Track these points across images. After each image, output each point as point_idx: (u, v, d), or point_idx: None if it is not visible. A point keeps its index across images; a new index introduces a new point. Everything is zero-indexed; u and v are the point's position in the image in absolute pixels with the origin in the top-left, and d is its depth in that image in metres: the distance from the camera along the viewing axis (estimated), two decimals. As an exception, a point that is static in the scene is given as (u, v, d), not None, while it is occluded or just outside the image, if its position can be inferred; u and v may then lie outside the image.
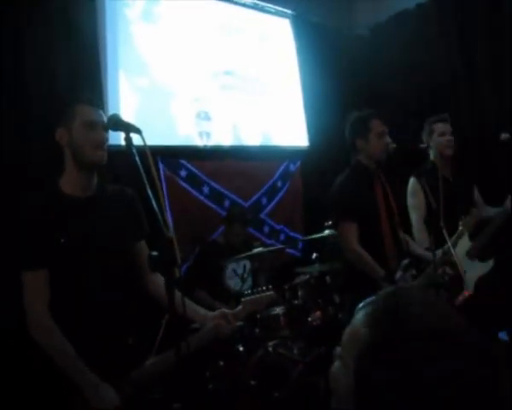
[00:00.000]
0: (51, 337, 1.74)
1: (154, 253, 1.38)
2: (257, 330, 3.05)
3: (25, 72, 2.83)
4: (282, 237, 4.48)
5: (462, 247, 2.94)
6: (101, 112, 1.94)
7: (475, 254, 3.00)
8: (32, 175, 2.77)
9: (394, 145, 2.75)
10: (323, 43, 5.07)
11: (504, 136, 3.06)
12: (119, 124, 1.62)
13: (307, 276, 3.54)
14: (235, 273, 3.51)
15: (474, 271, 2.94)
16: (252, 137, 4.37)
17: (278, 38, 4.84)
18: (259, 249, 3.42)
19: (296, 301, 3.31)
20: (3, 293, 2.46)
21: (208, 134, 4.00)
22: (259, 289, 2.11)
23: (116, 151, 2.07)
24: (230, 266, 3.52)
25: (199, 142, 3.94)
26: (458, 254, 2.76)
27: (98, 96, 3.16)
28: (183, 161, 3.77)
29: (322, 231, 3.60)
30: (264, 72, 4.55)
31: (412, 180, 3.17)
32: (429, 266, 2.63)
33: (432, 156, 3.22)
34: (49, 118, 2.77)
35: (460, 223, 2.86)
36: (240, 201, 4.11)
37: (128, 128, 1.57)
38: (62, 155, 1.93)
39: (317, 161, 4.74)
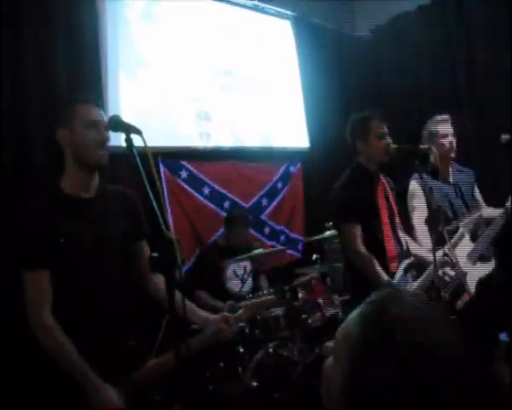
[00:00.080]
0: (53, 338, 1.74)
1: (155, 254, 1.38)
2: (257, 332, 3.05)
3: (25, 72, 2.83)
4: (282, 238, 4.48)
5: (463, 248, 2.94)
6: (102, 112, 1.94)
7: (477, 256, 2.99)
8: (32, 175, 2.77)
9: (395, 146, 2.75)
10: (324, 44, 5.07)
11: (504, 137, 3.06)
12: (119, 125, 1.62)
13: (307, 277, 3.54)
14: (236, 275, 3.51)
15: (475, 272, 2.93)
16: (252, 138, 4.36)
17: (279, 39, 4.84)
18: (260, 251, 3.42)
19: (296, 303, 3.30)
20: (4, 293, 2.45)
21: (208, 135, 4.00)
22: (260, 293, 2.12)
23: (116, 152, 2.07)
24: (231, 268, 3.52)
25: (199, 142, 3.93)
26: (459, 256, 2.76)
27: (98, 97, 3.15)
28: (183, 162, 3.77)
29: (322, 232, 3.60)
30: (264, 73, 4.55)
31: (413, 182, 3.17)
32: (430, 268, 2.63)
33: (432, 158, 3.21)
34: (49, 118, 2.78)
35: (460, 224, 2.86)
36: (240, 202, 4.11)
37: (128, 129, 1.57)
38: (63, 155, 1.93)
39: (318, 163, 4.75)
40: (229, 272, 3.52)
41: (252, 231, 4.00)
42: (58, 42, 3.00)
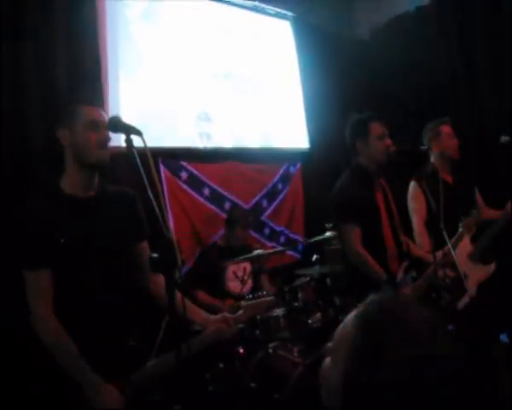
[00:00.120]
0: (55, 336, 1.74)
1: (155, 254, 1.38)
2: (257, 332, 3.04)
3: (25, 72, 2.83)
4: (282, 239, 4.48)
5: (463, 249, 2.94)
6: (103, 112, 1.94)
7: (478, 257, 3.00)
8: (32, 175, 2.77)
9: (394, 147, 2.75)
10: (324, 45, 5.07)
11: (504, 138, 3.06)
12: (119, 126, 1.63)
13: (308, 278, 3.53)
14: (236, 276, 3.51)
15: (476, 273, 2.94)
16: (252, 138, 4.36)
17: (278, 40, 4.84)
18: (260, 252, 3.42)
19: (296, 303, 3.30)
20: (4, 293, 2.45)
21: (208, 135, 4.00)
22: (260, 293, 2.12)
23: (116, 153, 2.07)
24: (231, 269, 3.52)
25: (199, 143, 3.93)
26: (460, 257, 2.76)
27: (98, 97, 3.16)
28: (183, 163, 3.77)
29: (323, 233, 3.60)
30: (264, 74, 4.55)
31: (413, 183, 3.17)
32: (430, 268, 2.63)
33: (432, 159, 3.22)
34: (49, 118, 2.78)
35: (460, 224, 2.87)
36: (240, 203, 4.11)
37: (129, 130, 1.57)
38: (63, 155, 1.93)
39: (318, 163, 4.75)
40: (228, 272, 3.52)
41: (252, 232, 4.00)
42: (58, 42, 2.99)
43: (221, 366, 2.82)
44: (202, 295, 3.38)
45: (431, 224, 2.75)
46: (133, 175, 1.49)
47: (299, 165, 4.72)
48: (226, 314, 2.03)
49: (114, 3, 3.45)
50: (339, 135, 3.23)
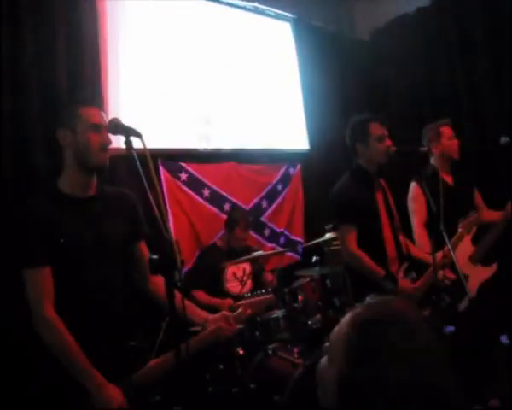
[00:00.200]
0: (56, 334, 1.74)
1: (155, 256, 1.38)
2: (257, 333, 3.04)
3: (25, 72, 2.82)
4: (282, 240, 4.48)
5: (464, 250, 2.94)
6: (103, 114, 1.94)
7: (478, 259, 3.00)
8: (32, 175, 2.76)
9: (394, 148, 2.75)
10: (324, 46, 5.07)
11: (504, 139, 3.06)
12: (119, 127, 1.63)
13: (307, 279, 3.54)
14: (235, 276, 3.51)
15: (477, 274, 2.94)
16: (252, 140, 4.36)
17: (279, 41, 4.84)
18: (259, 253, 3.42)
19: (296, 305, 3.30)
20: (4, 293, 2.44)
21: (208, 137, 3.99)
22: (259, 292, 2.14)
23: (116, 154, 2.07)
24: (230, 270, 3.52)
25: (198, 145, 3.93)
26: (461, 258, 2.77)
27: (98, 98, 3.15)
28: (183, 164, 3.76)
29: (322, 234, 3.60)
30: (264, 75, 4.54)
31: (413, 184, 3.17)
32: (429, 269, 2.63)
33: (432, 160, 3.22)
34: (49, 118, 2.78)
35: (459, 225, 2.87)
36: (240, 204, 4.10)
37: (128, 132, 1.58)
38: (62, 155, 1.93)
39: (318, 165, 4.74)
40: (228, 273, 3.52)
41: (252, 233, 4.00)
42: (58, 42, 2.99)
43: (221, 366, 2.82)
44: (202, 295, 3.38)
45: (431, 225, 2.75)
46: (133, 176, 1.49)
47: (298, 166, 4.72)
48: (226, 313, 2.03)
49: (114, 3, 3.45)
50: (339, 136, 3.23)
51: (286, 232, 4.52)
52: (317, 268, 3.48)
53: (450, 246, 2.46)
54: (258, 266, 3.62)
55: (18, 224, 1.86)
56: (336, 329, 0.89)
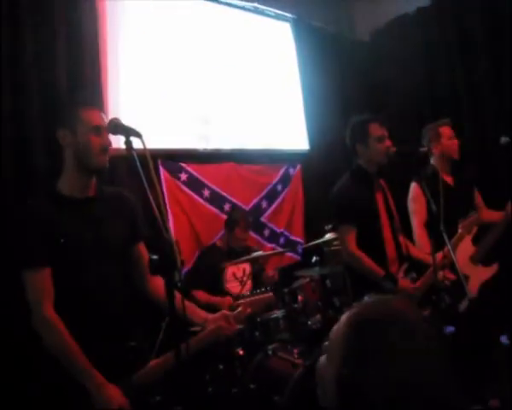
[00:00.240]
0: (56, 334, 1.73)
1: (155, 256, 1.38)
2: (257, 334, 3.04)
3: (25, 72, 2.82)
4: (282, 240, 4.47)
5: (465, 251, 2.94)
6: (104, 115, 1.94)
7: (479, 259, 2.99)
8: (32, 175, 2.76)
9: (394, 149, 2.75)
10: (324, 46, 5.07)
11: (504, 139, 3.06)
12: (119, 127, 1.64)
13: (307, 279, 3.54)
14: (235, 277, 3.50)
15: (478, 275, 2.93)
16: (252, 140, 4.36)
17: (278, 41, 4.84)
18: (259, 253, 3.42)
19: (296, 305, 3.30)
20: (4, 293, 2.44)
21: (208, 137, 3.99)
22: (258, 290, 2.14)
23: (116, 155, 2.07)
24: (230, 270, 3.51)
25: (198, 145, 3.93)
26: (461, 258, 2.77)
27: (98, 98, 3.15)
28: (183, 165, 3.76)
29: (322, 234, 3.60)
30: (264, 75, 4.54)
31: (413, 185, 3.17)
32: (429, 270, 2.63)
33: (432, 160, 3.22)
34: (49, 118, 2.78)
35: (459, 226, 2.87)
36: (240, 204, 4.10)
37: (128, 132, 1.58)
38: (62, 156, 1.92)
39: (318, 165, 4.74)
40: (228, 273, 3.52)
41: (252, 234, 4.00)
42: (58, 42, 2.99)
43: (221, 367, 2.82)
44: (201, 294, 3.38)
45: (431, 225, 2.75)
46: (133, 177, 1.49)
47: (298, 166, 4.72)
48: (226, 312, 2.03)
49: (114, 3, 3.45)
50: (339, 136, 3.23)
51: (286, 233, 4.52)
52: (316, 268, 3.48)
53: (450, 246, 2.46)
54: (258, 267, 3.62)
55: (18, 224, 1.87)
56: (335, 328, 0.89)
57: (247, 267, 3.55)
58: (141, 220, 2.09)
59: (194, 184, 3.82)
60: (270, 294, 2.11)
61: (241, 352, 2.87)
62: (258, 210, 4.29)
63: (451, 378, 0.78)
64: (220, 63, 4.15)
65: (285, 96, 4.74)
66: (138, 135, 1.59)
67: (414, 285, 2.69)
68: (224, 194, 4.02)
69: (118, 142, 1.77)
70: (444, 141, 3.18)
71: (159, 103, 3.64)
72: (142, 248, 2.09)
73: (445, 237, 2.46)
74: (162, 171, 3.59)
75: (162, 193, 3.45)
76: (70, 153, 1.89)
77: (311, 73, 4.84)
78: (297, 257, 4.54)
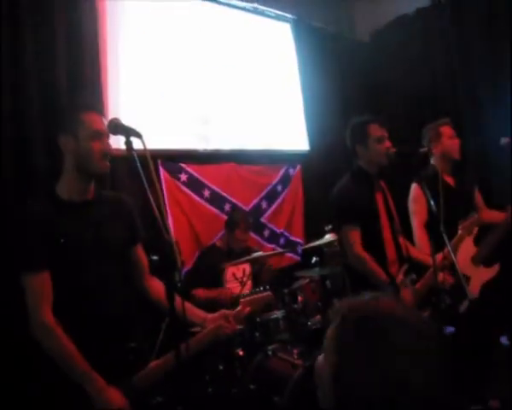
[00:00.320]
0: (54, 339, 1.73)
1: (155, 257, 1.38)
2: (256, 334, 3.04)
3: (25, 72, 2.82)
4: (282, 241, 4.47)
5: (466, 251, 2.94)
6: (104, 119, 1.94)
7: (480, 260, 2.99)
8: (31, 175, 2.76)
9: (394, 150, 2.75)
10: (324, 47, 5.07)
11: (504, 140, 3.06)
12: (119, 128, 1.64)
13: (307, 280, 3.53)
14: (235, 277, 3.50)
15: (479, 276, 2.93)
16: (252, 141, 4.36)
17: (279, 42, 4.83)
18: (259, 253, 3.42)
19: (296, 305, 3.30)
20: (4, 293, 2.44)
21: (208, 138, 3.99)
22: (257, 289, 2.14)
23: (116, 155, 2.07)
24: (230, 270, 3.51)
25: (198, 146, 3.93)
26: (462, 259, 2.77)
27: (98, 98, 3.15)
28: (182, 165, 3.76)
29: (322, 235, 3.59)
30: (264, 76, 4.54)
31: (414, 186, 3.16)
32: (429, 271, 2.63)
33: (433, 160, 3.22)
34: (49, 118, 2.78)
35: (459, 227, 2.86)
36: (240, 205, 4.10)
37: (128, 132, 1.58)
38: (62, 158, 1.92)
39: (318, 165, 4.74)
40: (228, 274, 3.51)
41: (252, 234, 4.00)
42: (58, 42, 2.99)
43: (221, 367, 2.82)
44: (201, 292, 3.38)
45: (431, 226, 2.75)
46: (133, 177, 1.49)
47: (298, 167, 4.72)
48: (225, 311, 2.03)
49: (114, 3, 3.45)
50: (339, 137, 3.23)
51: (286, 233, 4.52)
52: (316, 269, 3.48)
53: (450, 247, 2.46)
54: (258, 267, 3.62)
55: (17, 227, 1.86)
56: (331, 326, 0.88)
57: (247, 268, 3.54)
58: (138, 223, 2.09)
59: (195, 185, 3.82)
60: (269, 293, 2.11)
61: (240, 352, 2.88)
62: (258, 211, 4.29)
63: (451, 378, 0.78)
64: (220, 64, 4.15)
65: (285, 97, 4.74)
66: (138, 135, 1.59)
67: (415, 298, 2.66)
68: (225, 194, 4.02)
69: (118, 142, 1.77)
70: (444, 140, 3.17)
71: (159, 104, 3.64)
72: (140, 250, 2.10)
73: (446, 237, 2.46)
74: (162, 171, 3.59)
75: (162, 193, 3.45)
76: (71, 158, 1.89)
77: (311, 73, 4.84)
78: (297, 258, 4.54)
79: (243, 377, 2.79)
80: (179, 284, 1.45)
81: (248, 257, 3.33)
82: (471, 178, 3.35)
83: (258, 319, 3.05)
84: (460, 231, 2.86)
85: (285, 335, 3.08)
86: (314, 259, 3.50)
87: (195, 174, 3.84)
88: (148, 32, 3.67)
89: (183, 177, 3.75)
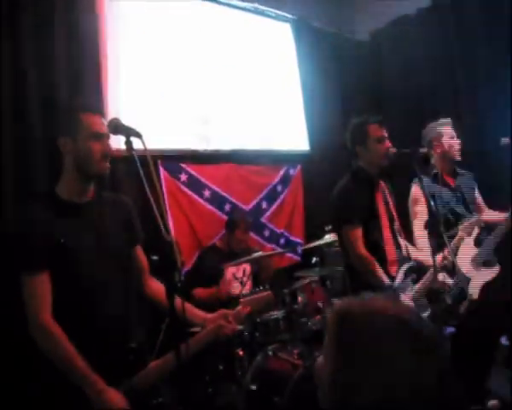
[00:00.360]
0: (53, 341, 1.72)
1: (155, 257, 1.38)
2: (257, 334, 3.04)
3: (25, 72, 2.82)
4: (282, 241, 4.48)
5: (467, 252, 2.93)
6: (104, 120, 1.93)
7: (481, 261, 2.99)
8: (31, 176, 2.76)
9: (394, 150, 2.75)
10: (324, 47, 5.08)
11: (504, 140, 3.05)
12: (119, 128, 1.64)
13: (307, 280, 3.53)
14: (235, 277, 3.50)
15: (479, 276, 2.93)
16: (252, 141, 4.36)
17: (279, 42, 4.84)
18: (259, 253, 3.42)
19: (296, 306, 3.30)
20: (4, 294, 2.44)
21: (208, 138, 3.99)
22: (257, 289, 2.15)
23: (116, 155, 2.07)
24: (230, 270, 3.51)
25: (198, 146, 3.93)
26: (463, 260, 2.76)
27: (98, 98, 3.15)
28: (183, 165, 3.77)
29: (322, 235, 3.60)
30: (264, 76, 4.54)
31: (414, 186, 3.16)
32: (429, 272, 2.63)
33: (433, 160, 3.21)
34: (49, 119, 2.78)
35: (459, 227, 2.86)
36: (240, 205, 4.10)
37: (128, 132, 1.58)
38: (62, 159, 1.92)
39: (318, 165, 4.74)
40: (228, 274, 3.52)
41: (252, 234, 4.00)
42: (58, 42, 2.99)
43: (221, 367, 2.82)
44: (201, 291, 3.38)
45: (431, 227, 2.74)
46: (133, 177, 1.49)
47: (298, 167, 4.72)
48: (225, 311, 2.03)
49: (114, 3, 3.45)
50: (339, 137, 3.22)
51: (286, 233, 4.52)
52: (316, 269, 3.48)
53: (450, 248, 2.46)
54: (258, 267, 3.62)
55: (17, 228, 1.86)
56: (330, 326, 0.88)
57: (248, 268, 3.54)
58: (138, 225, 2.09)
59: (195, 185, 3.82)
60: (269, 292, 2.11)
61: (241, 353, 2.88)
62: (258, 211, 4.29)
63: (451, 379, 0.77)
64: (220, 64, 4.15)
65: (285, 97, 4.74)
66: (138, 135, 1.59)
67: (415, 298, 2.65)
68: (225, 194, 4.02)
69: (118, 142, 1.77)
70: (445, 140, 3.17)
71: (159, 104, 3.64)
72: (139, 251, 2.10)
73: (446, 238, 2.45)
74: (162, 171, 3.60)
75: (162, 193, 3.45)
76: (70, 160, 1.88)
77: (312, 73, 4.84)
78: (297, 258, 4.54)
79: (243, 377, 2.79)
80: (179, 285, 1.45)
81: (248, 257, 3.34)
82: (471, 178, 3.35)
83: (258, 319, 3.05)
84: (460, 232, 2.86)
85: (285, 335, 3.08)
86: (314, 259, 3.50)
87: (195, 174, 3.84)
88: (148, 32, 3.67)
89: (183, 177, 3.75)
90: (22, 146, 2.76)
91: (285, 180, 4.58)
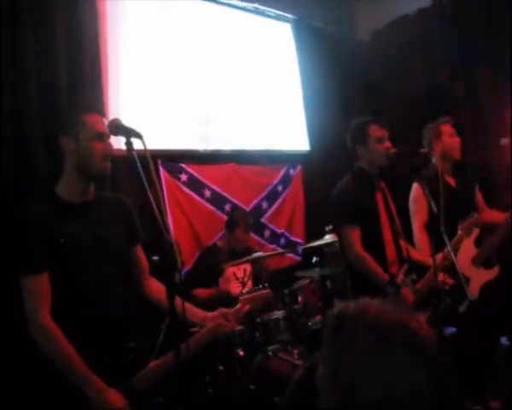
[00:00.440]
0: (53, 342, 1.73)
1: (155, 257, 1.38)
2: (257, 335, 3.04)
3: (25, 72, 2.82)
4: (282, 241, 4.47)
5: (467, 252, 2.93)
6: (105, 120, 1.93)
7: (481, 261, 2.99)
8: (31, 176, 2.76)
9: (394, 150, 2.75)
10: (324, 47, 5.07)
11: (504, 140, 3.06)
12: (119, 128, 1.64)
13: (307, 280, 3.53)
14: (236, 277, 3.50)
15: (479, 277, 2.93)
16: (252, 141, 4.36)
17: (279, 42, 4.84)
18: (259, 253, 3.42)
19: (296, 306, 3.30)
20: (4, 294, 2.44)
21: (208, 138, 3.99)
22: (256, 287, 2.15)
23: (117, 155, 2.07)
24: (230, 270, 3.51)
25: (199, 146, 3.93)
26: (463, 260, 2.76)
27: (98, 98, 3.15)
28: (183, 165, 3.77)
29: (322, 235, 3.59)
30: (264, 76, 4.54)
31: (415, 186, 3.16)
32: (429, 272, 2.63)
33: (434, 160, 3.21)
34: (49, 118, 2.78)
35: (459, 227, 2.86)
36: (241, 205, 4.10)
37: (129, 132, 1.58)
38: (62, 159, 1.92)
39: (318, 165, 4.74)
40: (228, 274, 3.51)
41: (252, 234, 4.00)
42: (58, 42, 2.99)
43: (221, 368, 2.81)
44: (201, 291, 3.38)
45: (432, 226, 2.74)
46: (133, 177, 1.49)
47: (299, 167, 4.72)
48: (224, 310, 2.03)
49: (114, 3, 3.45)
50: (339, 137, 3.23)
51: (286, 233, 4.52)
52: (317, 269, 3.47)
53: (450, 248, 2.46)
54: (258, 267, 3.62)
55: (17, 227, 1.86)
56: (330, 327, 0.89)
57: (248, 268, 3.54)
58: (138, 225, 2.09)
59: (195, 185, 3.82)
60: (269, 290, 2.12)
61: (241, 353, 2.87)
62: (258, 211, 4.29)
63: (451, 379, 0.77)
64: (221, 64, 4.15)
65: (285, 97, 4.74)
66: (139, 136, 1.59)
67: (415, 298, 2.65)
68: (225, 194, 4.02)
69: (118, 142, 1.77)
70: (445, 139, 3.16)
71: (159, 104, 3.64)
72: (140, 251, 2.10)
73: (446, 238, 2.46)
74: (162, 171, 3.60)
75: (162, 193, 3.45)
76: (72, 159, 1.88)
77: (312, 73, 4.84)
78: (297, 258, 4.54)
79: (243, 377, 2.79)
80: (179, 285, 1.45)
81: (249, 257, 3.33)
82: (472, 178, 3.35)
83: (258, 320, 3.05)
84: (460, 232, 2.86)
85: (285, 335, 3.08)
86: (314, 259, 3.50)
87: (196, 174, 3.84)
88: (148, 32, 3.67)
89: (184, 177, 3.75)
90: (22, 146, 2.76)
91: (285, 180, 4.58)
